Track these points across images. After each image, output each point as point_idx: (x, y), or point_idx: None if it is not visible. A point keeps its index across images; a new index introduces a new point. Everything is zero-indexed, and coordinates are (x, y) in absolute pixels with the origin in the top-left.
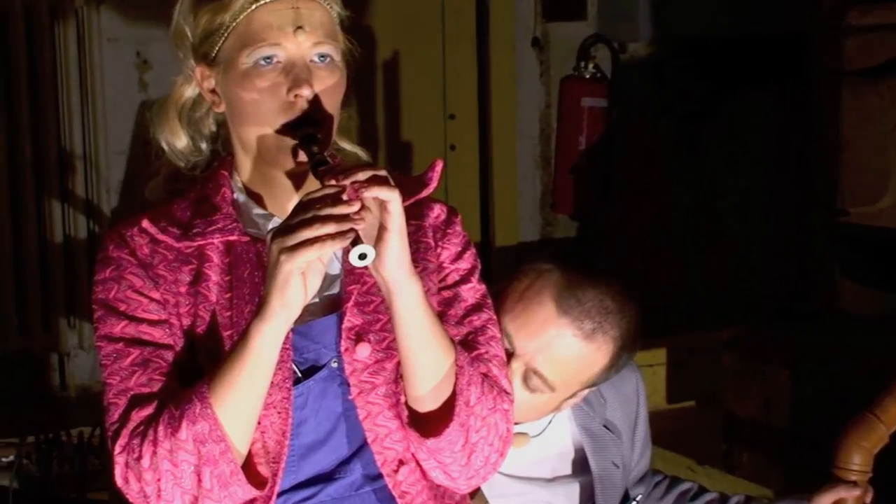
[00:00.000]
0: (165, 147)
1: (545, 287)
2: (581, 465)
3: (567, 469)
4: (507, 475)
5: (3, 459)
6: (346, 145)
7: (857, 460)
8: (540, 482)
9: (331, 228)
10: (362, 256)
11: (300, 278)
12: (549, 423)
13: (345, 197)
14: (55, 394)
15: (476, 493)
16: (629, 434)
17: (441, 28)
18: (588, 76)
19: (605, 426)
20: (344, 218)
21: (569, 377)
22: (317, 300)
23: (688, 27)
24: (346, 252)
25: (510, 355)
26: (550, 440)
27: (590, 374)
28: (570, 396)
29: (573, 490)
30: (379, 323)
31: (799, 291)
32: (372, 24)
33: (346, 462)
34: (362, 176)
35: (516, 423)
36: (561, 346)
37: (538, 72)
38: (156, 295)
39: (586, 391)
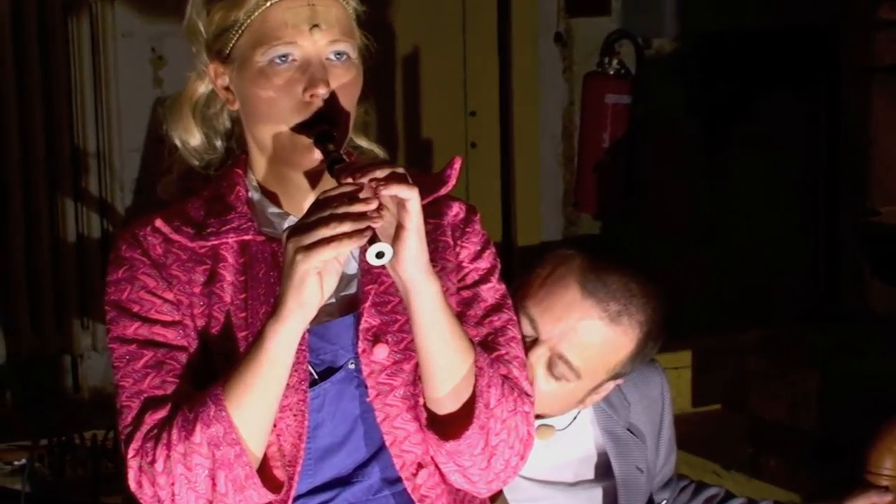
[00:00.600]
0: (179, 144)
1: (569, 271)
2: (604, 470)
3: (590, 473)
4: (528, 479)
5: (15, 462)
6: (363, 143)
7: (890, 465)
8: (562, 486)
9: (348, 227)
10: (380, 255)
11: (316, 278)
12: (574, 418)
13: (362, 195)
14: (68, 396)
15: (497, 496)
16: (654, 438)
17: (462, 23)
18: (612, 73)
19: (628, 429)
20: (361, 216)
21: (594, 363)
22: (333, 300)
23: (714, 22)
24: (363, 251)
25: (534, 342)
26: (573, 443)
27: (616, 361)
28: (596, 387)
29: (596, 495)
30: (397, 323)
31: (828, 292)
32: (391, 18)
33: (363, 465)
34: (380, 173)
35: (541, 417)
36: (586, 329)
37: (561, 68)
38: (169, 296)
39: (612, 384)
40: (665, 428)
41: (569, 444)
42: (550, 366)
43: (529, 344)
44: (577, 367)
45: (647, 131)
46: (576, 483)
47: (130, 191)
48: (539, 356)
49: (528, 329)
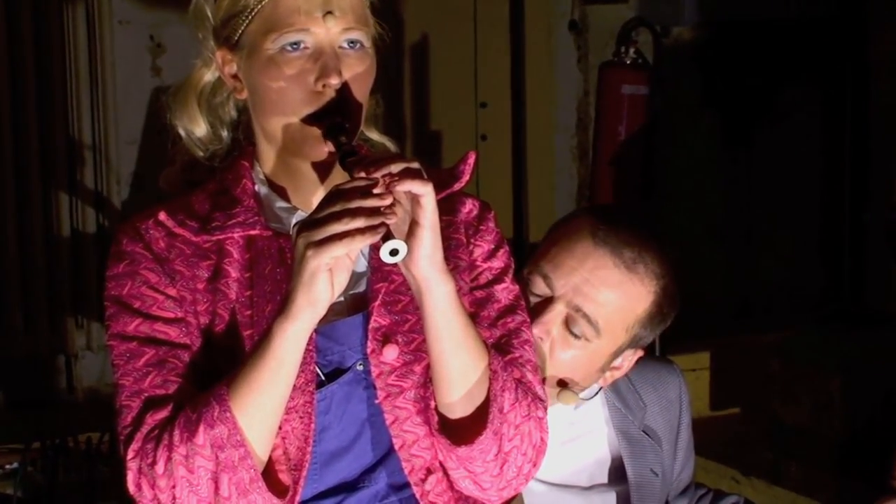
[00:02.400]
0: (183, 134)
1: (580, 226)
2: (618, 473)
3: (605, 477)
4: (543, 482)
5: (7, 466)
6: (374, 135)
7: None
8: (577, 490)
9: (360, 223)
10: (394, 252)
11: (327, 275)
12: (597, 393)
13: (376, 191)
14: (62, 397)
15: (513, 499)
16: (671, 441)
17: (473, 10)
18: (629, 62)
19: (644, 431)
20: (375, 211)
21: (613, 318)
22: (342, 299)
23: (735, 10)
24: (375, 248)
25: (550, 300)
26: (588, 446)
27: (634, 316)
28: (617, 352)
29: (610, 499)
30: (407, 323)
31: (852, 292)
32: (400, 5)
33: (370, 470)
34: (395, 168)
35: (564, 385)
36: (602, 277)
37: (576, 57)
38: (172, 292)
39: (632, 354)
40: (683, 431)
41: (584, 446)
42: (569, 324)
43: (545, 304)
44: (595, 321)
45: (665, 123)
46: (590, 487)
47: (127, 184)
48: (556, 315)
49: (542, 288)
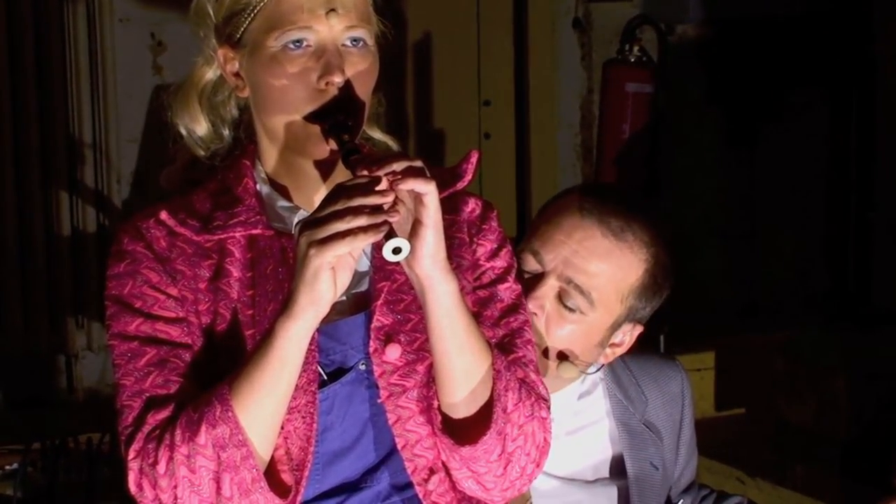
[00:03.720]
0: (184, 133)
1: (568, 202)
2: (620, 467)
3: (606, 471)
4: (550, 475)
5: (7, 467)
6: (377, 134)
7: None
8: (581, 483)
9: (363, 221)
10: (397, 251)
11: (330, 273)
12: (599, 368)
13: (378, 188)
14: (62, 397)
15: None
16: (673, 437)
17: (476, 8)
18: (633, 60)
19: (645, 425)
20: (377, 209)
21: (606, 288)
22: (344, 298)
23: (740, 8)
24: (378, 247)
25: (541, 276)
26: (591, 439)
27: (627, 286)
28: (614, 325)
29: (612, 493)
30: (410, 323)
31: (858, 291)
32: (402, 3)
33: (373, 470)
34: (398, 166)
35: (564, 358)
36: (590, 248)
37: (579, 55)
38: (173, 291)
39: (631, 329)
40: (685, 427)
41: (587, 438)
42: (562, 297)
43: (536, 280)
44: (587, 292)
45: (669, 121)
46: (595, 480)
47: (128, 183)
48: (548, 289)
49: (533, 265)
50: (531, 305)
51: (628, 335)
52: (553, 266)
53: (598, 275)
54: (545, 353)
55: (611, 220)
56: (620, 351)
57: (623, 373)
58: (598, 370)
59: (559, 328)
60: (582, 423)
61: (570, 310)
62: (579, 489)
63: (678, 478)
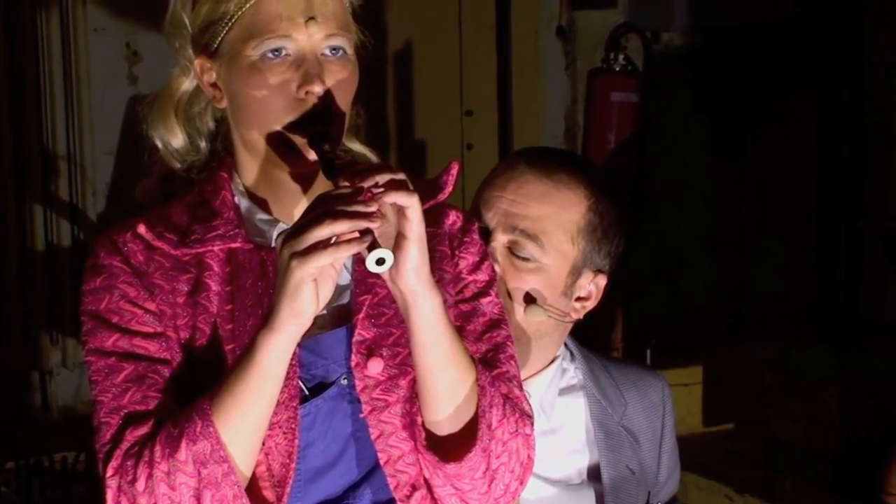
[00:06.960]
0: (160, 145)
1: (498, 166)
2: (598, 471)
3: (585, 474)
4: (540, 476)
5: None
6: (356, 146)
7: None
8: (564, 485)
9: (344, 226)
10: (380, 262)
11: (312, 286)
12: (573, 322)
13: (361, 198)
14: (36, 415)
15: None
16: (654, 443)
17: (458, 15)
18: (618, 69)
19: (623, 427)
20: (358, 215)
21: (551, 227)
22: (325, 312)
23: (727, 15)
24: (360, 260)
25: (489, 233)
26: (574, 441)
27: (574, 225)
28: (573, 272)
29: (589, 496)
30: (392, 336)
31: (847, 303)
32: (382, 11)
33: (355, 487)
34: (380, 178)
35: (531, 301)
36: (526, 192)
37: (564, 64)
38: (151, 306)
39: (593, 277)
40: (667, 435)
41: (570, 441)
42: (513, 249)
43: (486, 239)
44: (534, 234)
45: (656, 131)
46: (579, 483)
47: (103, 196)
48: (497, 244)
49: (481, 223)
50: None
51: (593, 286)
52: (496, 221)
53: (541, 217)
54: (509, 295)
55: (540, 163)
56: (590, 304)
57: (602, 374)
58: (572, 322)
59: (519, 283)
60: (560, 423)
61: (524, 259)
62: (565, 491)
63: (659, 489)
